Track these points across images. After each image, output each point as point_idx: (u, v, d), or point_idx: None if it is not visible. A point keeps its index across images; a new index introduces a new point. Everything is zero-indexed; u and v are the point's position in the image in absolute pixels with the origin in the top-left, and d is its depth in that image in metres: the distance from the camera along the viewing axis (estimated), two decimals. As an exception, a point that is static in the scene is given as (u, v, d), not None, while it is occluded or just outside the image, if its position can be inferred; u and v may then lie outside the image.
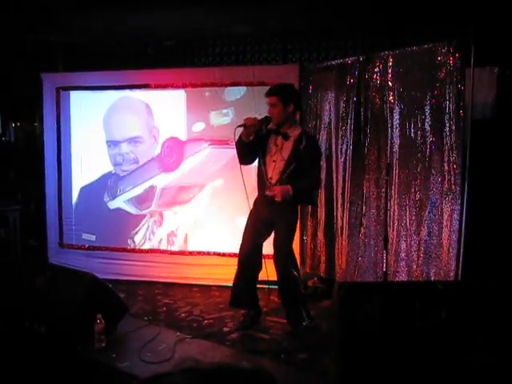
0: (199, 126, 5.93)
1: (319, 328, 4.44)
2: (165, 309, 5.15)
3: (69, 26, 6.12)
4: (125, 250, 6.24)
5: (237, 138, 4.31)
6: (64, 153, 6.35)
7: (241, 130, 4.27)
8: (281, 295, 4.59)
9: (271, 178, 4.32)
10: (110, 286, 4.30)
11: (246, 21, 5.88)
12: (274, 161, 4.33)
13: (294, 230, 4.55)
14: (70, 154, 6.36)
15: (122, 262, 6.17)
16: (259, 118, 4.30)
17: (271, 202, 4.27)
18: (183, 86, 5.97)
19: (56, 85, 6.30)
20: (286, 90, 4.36)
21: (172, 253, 6.10)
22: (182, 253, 6.08)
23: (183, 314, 4.97)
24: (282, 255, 4.40)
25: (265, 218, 4.42)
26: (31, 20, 5.86)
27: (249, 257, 4.46)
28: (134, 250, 6.21)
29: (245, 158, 4.42)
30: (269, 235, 4.52)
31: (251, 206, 4.52)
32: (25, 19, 5.80)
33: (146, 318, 4.79)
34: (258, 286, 4.65)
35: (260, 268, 4.51)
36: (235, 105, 5.78)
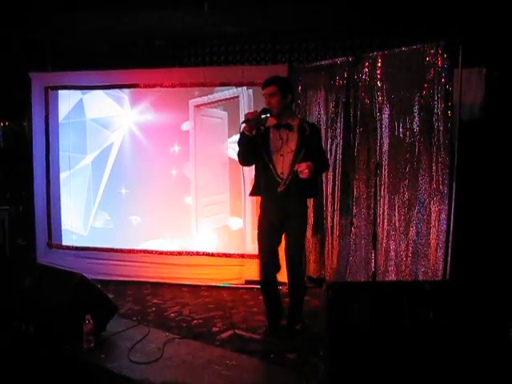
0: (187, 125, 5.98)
1: (308, 328, 4.45)
2: (154, 309, 5.14)
3: (57, 25, 6.10)
4: (113, 250, 6.22)
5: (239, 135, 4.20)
6: (52, 153, 6.33)
7: (242, 126, 4.14)
8: (291, 300, 4.43)
9: (282, 173, 4.18)
10: (99, 286, 4.29)
11: (236, 21, 5.88)
12: (281, 155, 4.19)
13: (306, 235, 4.46)
14: (58, 153, 6.34)
15: (111, 262, 6.15)
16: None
17: (283, 200, 4.18)
18: (172, 86, 5.96)
19: (44, 84, 6.28)
20: (283, 80, 4.32)
21: (161, 253, 6.09)
22: (171, 253, 6.07)
23: (172, 314, 4.96)
24: (296, 263, 4.30)
25: (276, 223, 4.27)
26: (19, 19, 5.83)
27: (270, 266, 4.33)
28: (122, 251, 6.19)
29: (248, 156, 4.26)
30: (282, 235, 4.37)
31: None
32: (13, 18, 5.77)
33: (135, 319, 4.77)
34: (248, 286, 4.63)
35: (278, 271, 4.41)
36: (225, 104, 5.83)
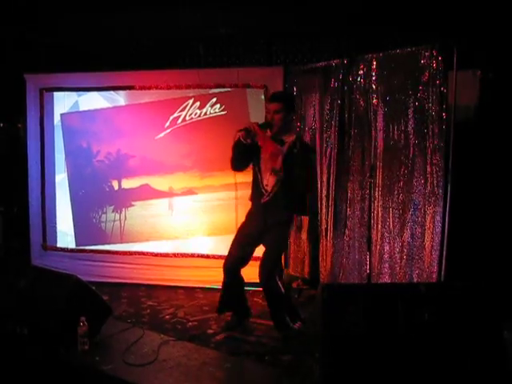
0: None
1: (303, 330, 4.45)
2: (149, 311, 5.13)
3: (52, 26, 6.09)
4: (108, 252, 6.22)
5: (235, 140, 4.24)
6: (47, 154, 6.32)
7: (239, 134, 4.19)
8: (267, 302, 4.51)
9: (267, 185, 4.27)
10: (94, 288, 4.28)
11: (231, 23, 5.88)
12: (268, 167, 4.27)
13: (284, 244, 4.53)
14: (53, 155, 6.33)
15: (106, 264, 6.15)
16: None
17: (264, 212, 4.28)
18: (167, 88, 5.97)
19: (39, 86, 6.27)
20: (290, 98, 4.40)
21: (156, 255, 6.09)
22: (166, 255, 6.07)
23: (167, 316, 4.96)
24: (267, 269, 4.31)
25: (257, 229, 4.35)
26: (14, 20, 5.82)
27: (235, 266, 4.43)
28: (117, 252, 6.19)
29: (239, 162, 4.32)
30: (258, 245, 4.45)
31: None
32: (7, 19, 5.76)
33: (129, 321, 4.77)
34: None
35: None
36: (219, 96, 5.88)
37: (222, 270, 5.15)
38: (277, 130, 4.23)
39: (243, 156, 4.27)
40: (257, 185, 4.34)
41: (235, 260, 4.41)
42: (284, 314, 4.42)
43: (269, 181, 4.26)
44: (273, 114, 4.20)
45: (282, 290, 4.44)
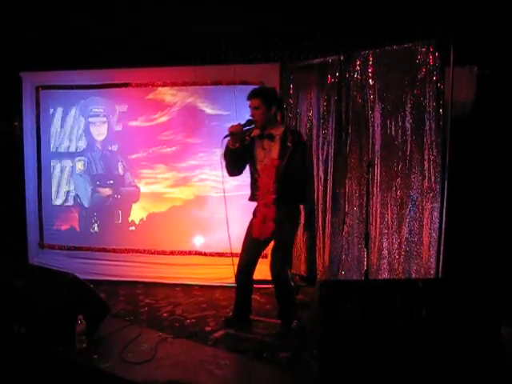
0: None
1: (301, 326, 4.45)
2: (146, 309, 5.13)
3: (49, 24, 6.06)
4: (106, 249, 6.21)
5: (223, 148, 4.25)
6: (44, 152, 6.30)
7: (226, 140, 4.20)
8: (276, 295, 4.48)
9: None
10: (91, 286, 4.27)
11: (228, 19, 5.86)
12: (265, 165, 4.25)
13: (291, 239, 4.46)
14: (50, 153, 6.31)
15: (103, 262, 6.14)
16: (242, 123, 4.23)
17: (269, 207, 4.22)
18: (163, 85, 5.97)
19: (36, 84, 6.25)
20: (268, 92, 4.35)
21: (153, 252, 6.08)
22: (163, 252, 6.06)
23: (165, 314, 4.95)
24: (276, 264, 4.27)
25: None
26: (10, 18, 5.79)
27: (247, 270, 4.37)
28: (114, 250, 6.18)
29: (233, 168, 4.33)
30: (268, 244, 4.40)
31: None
32: (3, 17, 5.74)
33: (127, 319, 4.76)
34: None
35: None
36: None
37: (219, 267, 5.19)
38: (260, 126, 4.25)
39: (236, 161, 4.30)
40: (256, 185, 4.30)
41: (245, 263, 4.37)
42: (292, 309, 4.43)
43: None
44: (253, 111, 4.23)
45: (292, 284, 4.44)
